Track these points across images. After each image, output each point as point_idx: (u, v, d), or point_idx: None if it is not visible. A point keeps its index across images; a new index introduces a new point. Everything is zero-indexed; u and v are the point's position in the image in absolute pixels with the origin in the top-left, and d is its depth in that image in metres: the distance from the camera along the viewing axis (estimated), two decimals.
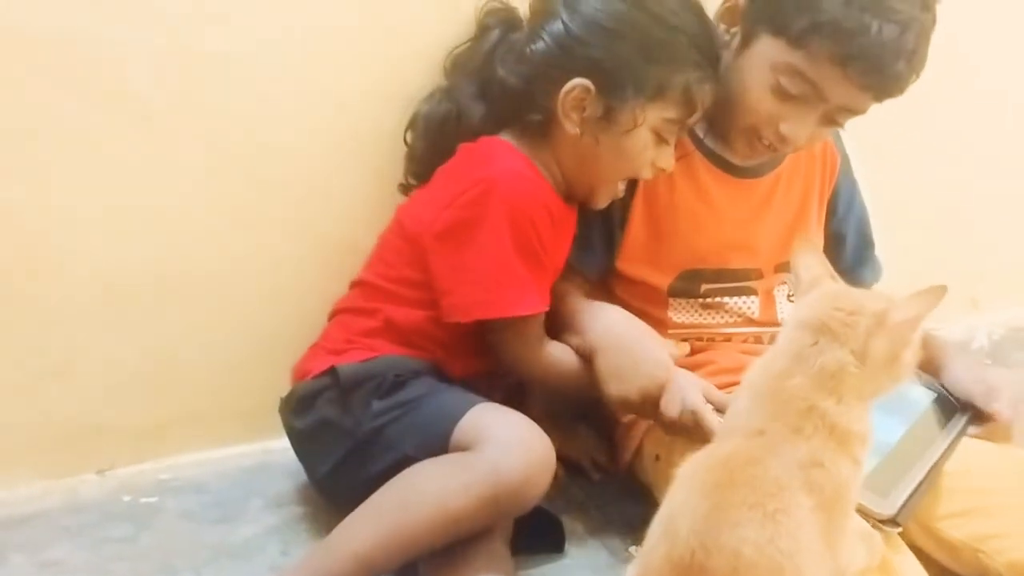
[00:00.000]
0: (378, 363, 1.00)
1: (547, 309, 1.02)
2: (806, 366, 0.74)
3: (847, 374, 0.74)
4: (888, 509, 0.89)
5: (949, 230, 1.58)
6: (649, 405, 0.97)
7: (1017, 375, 1.10)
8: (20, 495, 1.08)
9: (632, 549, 0.98)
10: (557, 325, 1.06)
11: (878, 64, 0.95)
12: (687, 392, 0.95)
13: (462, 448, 0.91)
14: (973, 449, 1.01)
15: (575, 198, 1.08)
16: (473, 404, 0.95)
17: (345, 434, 0.98)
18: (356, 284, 1.09)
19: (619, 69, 0.97)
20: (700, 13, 1.01)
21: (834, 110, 1.01)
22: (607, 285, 1.15)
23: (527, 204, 0.98)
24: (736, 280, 1.13)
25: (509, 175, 0.99)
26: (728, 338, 1.14)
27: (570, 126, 1.00)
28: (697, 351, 1.12)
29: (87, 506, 1.08)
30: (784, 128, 1.02)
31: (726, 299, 1.13)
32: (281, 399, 1.06)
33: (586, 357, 1.02)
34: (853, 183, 1.23)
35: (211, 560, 1.00)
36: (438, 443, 0.92)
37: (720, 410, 0.93)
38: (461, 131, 1.05)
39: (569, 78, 0.98)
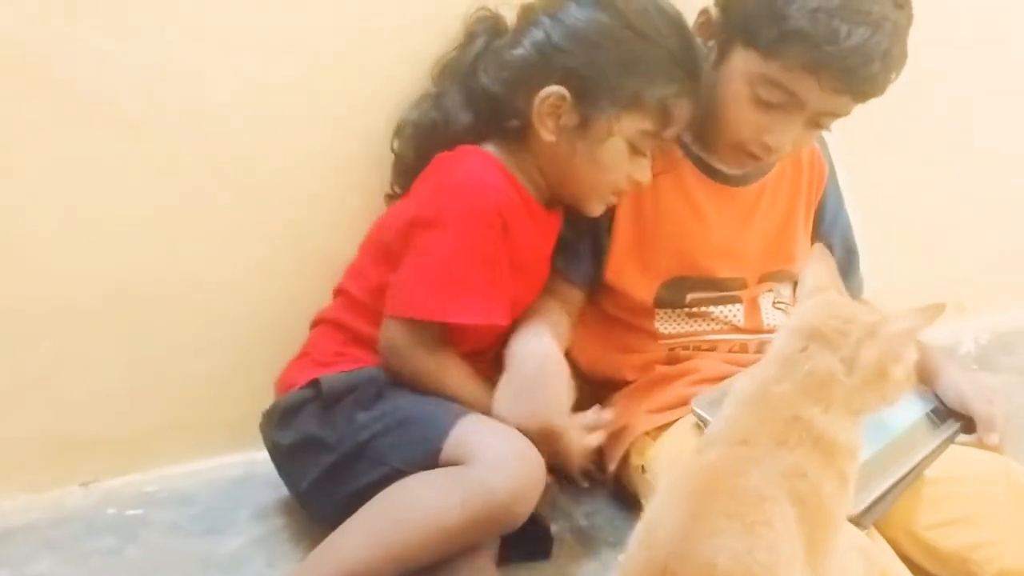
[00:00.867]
0: (361, 374, 0.99)
1: (498, 321, 1.00)
2: (795, 371, 0.74)
3: (835, 383, 0.73)
4: (852, 508, 0.88)
5: (936, 235, 1.57)
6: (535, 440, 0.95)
7: (1004, 380, 1.09)
8: (3, 508, 1.07)
9: (621, 558, 0.98)
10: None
11: (851, 68, 0.95)
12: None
13: (453, 462, 0.91)
14: (961, 457, 1.01)
15: (563, 203, 1.08)
16: (460, 415, 0.94)
17: (328, 448, 0.97)
18: (338, 292, 1.09)
19: (596, 79, 0.98)
20: (684, 29, 1.02)
21: (816, 115, 1.01)
22: (595, 299, 1.15)
23: (486, 210, 0.97)
24: (721, 289, 1.13)
25: (471, 180, 0.99)
26: (713, 346, 1.14)
27: (545, 133, 1.00)
28: (682, 360, 1.12)
29: (71, 519, 1.07)
30: (768, 139, 1.02)
31: (711, 308, 1.13)
32: (263, 414, 1.05)
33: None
34: (839, 193, 1.23)
35: (197, 572, 0.99)
36: (428, 458, 0.92)
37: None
38: (448, 139, 1.05)
39: (546, 85, 0.98)
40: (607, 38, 0.98)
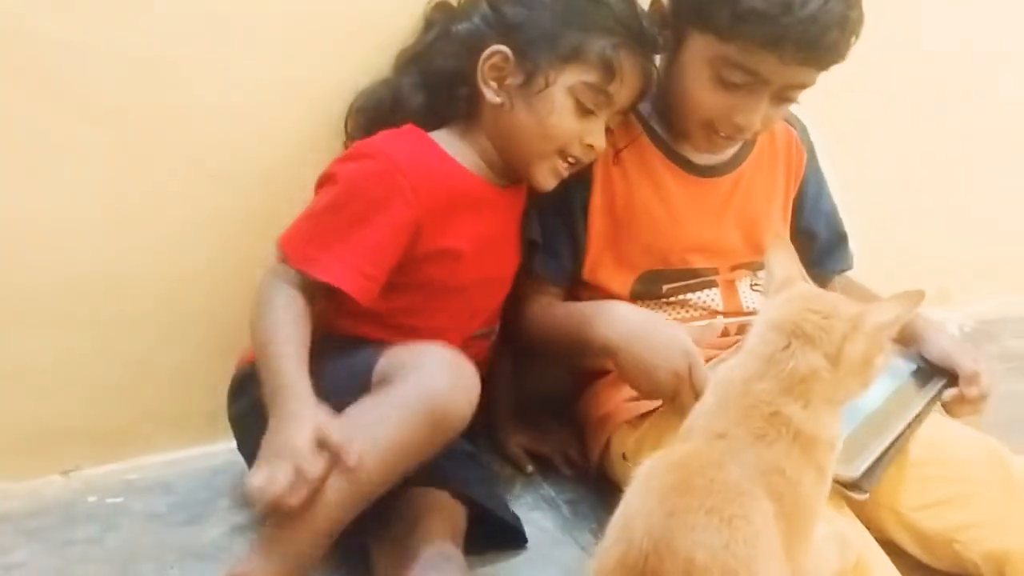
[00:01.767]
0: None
1: (344, 287, 0.93)
2: (776, 369, 0.74)
3: (818, 379, 0.73)
4: (852, 472, 0.90)
5: (919, 223, 1.58)
6: (677, 389, 0.94)
7: (987, 368, 1.09)
8: None
9: (598, 547, 0.98)
10: (558, 333, 1.07)
11: (811, 39, 0.94)
12: (687, 344, 0.94)
13: (385, 383, 0.89)
14: (948, 440, 1.01)
15: (517, 179, 1.07)
16: (388, 347, 0.92)
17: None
18: None
19: (536, 33, 0.99)
20: None
21: (781, 89, 1.00)
22: (573, 292, 1.14)
23: (380, 182, 0.95)
24: (697, 276, 1.13)
25: (374, 150, 0.98)
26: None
27: (490, 94, 1.00)
28: None
29: (51, 508, 1.07)
30: (738, 118, 1.01)
31: (689, 295, 1.13)
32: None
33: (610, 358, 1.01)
34: (821, 177, 1.22)
35: (178, 561, 0.99)
36: (361, 385, 0.89)
37: None
38: (396, 121, 1.04)
39: (489, 47, 0.99)
40: None
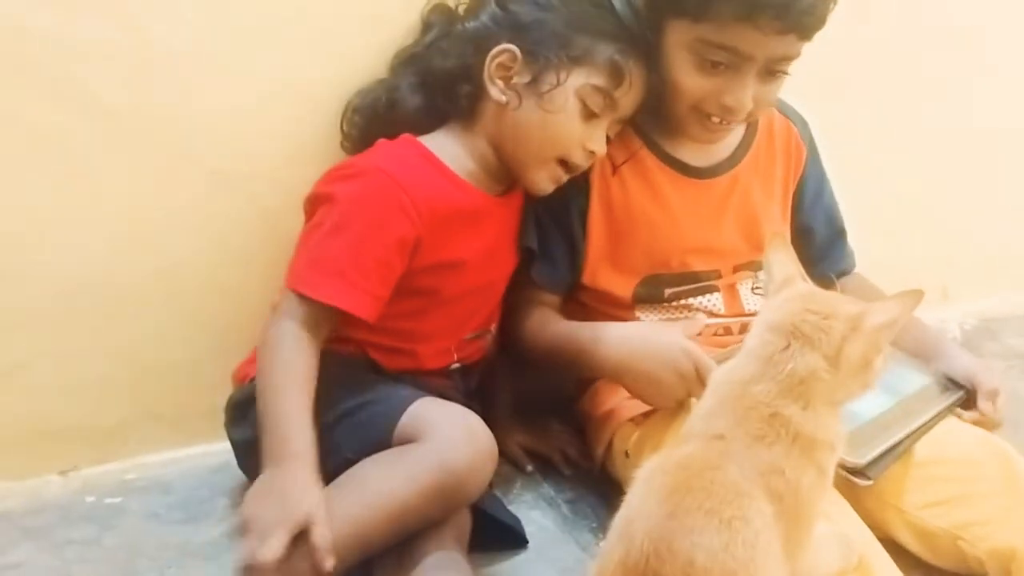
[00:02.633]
0: None
1: (356, 312, 0.93)
2: (775, 371, 0.73)
3: (817, 380, 0.73)
4: (860, 459, 0.90)
5: (920, 221, 1.57)
6: (688, 389, 0.96)
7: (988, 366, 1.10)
8: None
9: (600, 546, 0.98)
10: (558, 360, 1.07)
11: (786, 6, 0.93)
12: (685, 343, 0.96)
13: (406, 443, 0.90)
14: (952, 439, 1.01)
15: (514, 183, 1.06)
16: (413, 400, 0.93)
17: None
18: None
19: (546, 34, 0.98)
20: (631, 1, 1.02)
21: (767, 63, 0.99)
22: (573, 295, 1.14)
23: (381, 200, 0.95)
24: (699, 281, 1.12)
25: (372, 167, 0.97)
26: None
27: (496, 92, 1.00)
28: None
29: (49, 507, 1.07)
30: (727, 99, 1.00)
31: (691, 299, 1.12)
32: (224, 408, 1.05)
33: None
34: (821, 173, 1.22)
35: (176, 561, 0.99)
36: (381, 442, 0.90)
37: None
38: (393, 122, 1.04)
39: (497, 46, 0.99)
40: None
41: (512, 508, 1.05)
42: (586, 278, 1.12)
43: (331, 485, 0.88)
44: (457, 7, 1.08)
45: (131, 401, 1.13)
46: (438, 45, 1.05)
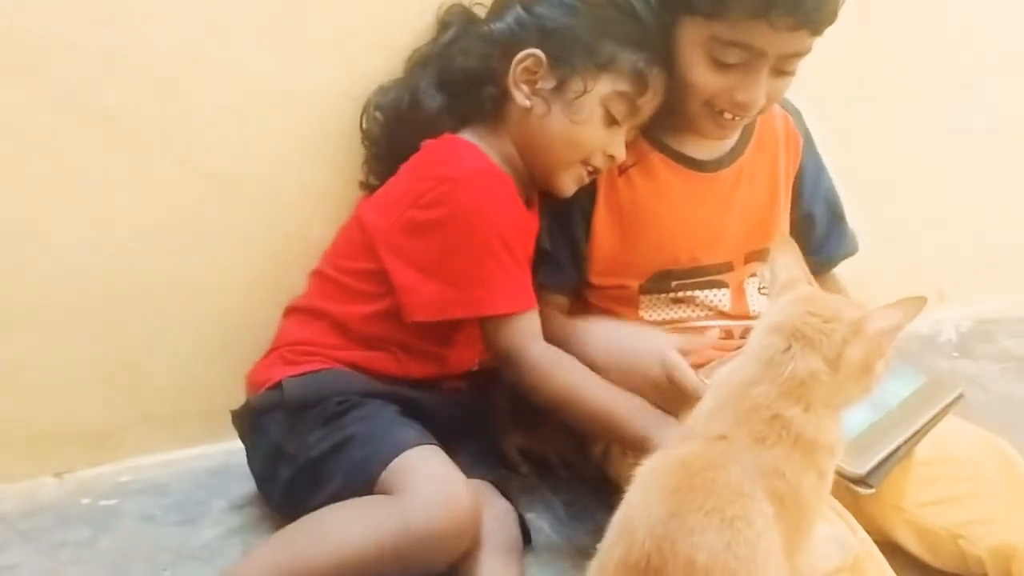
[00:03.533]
0: (325, 381, 0.98)
1: (532, 306, 1.01)
2: (775, 373, 0.73)
3: (817, 382, 0.73)
4: (859, 468, 0.90)
5: (916, 223, 1.58)
6: (664, 393, 0.96)
7: (983, 368, 1.09)
8: None
9: (599, 547, 0.98)
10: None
11: (798, 2, 0.93)
12: (665, 353, 0.97)
13: (386, 491, 0.89)
14: (953, 436, 1.01)
15: (538, 186, 1.07)
16: (409, 446, 0.92)
17: (289, 461, 0.96)
18: (313, 274, 1.08)
19: (573, 40, 0.99)
20: (653, 6, 1.02)
21: (779, 60, 0.99)
22: (580, 294, 1.14)
23: (494, 202, 0.97)
24: (708, 275, 1.12)
25: (474, 173, 0.98)
26: (699, 332, 1.13)
27: (521, 97, 1.00)
28: None
29: (44, 509, 1.06)
30: (739, 96, 1.01)
31: (696, 292, 1.12)
32: (234, 412, 1.04)
33: None
34: (818, 160, 1.22)
35: (172, 563, 0.98)
36: (365, 483, 0.90)
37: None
38: (419, 123, 1.04)
39: (523, 50, 0.99)
40: (584, 3, 0.99)
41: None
42: (595, 278, 1.12)
43: (295, 523, 0.88)
44: (472, 6, 1.08)
45: (126, 403, 1.13)
46: (459, 44, 1.05)
